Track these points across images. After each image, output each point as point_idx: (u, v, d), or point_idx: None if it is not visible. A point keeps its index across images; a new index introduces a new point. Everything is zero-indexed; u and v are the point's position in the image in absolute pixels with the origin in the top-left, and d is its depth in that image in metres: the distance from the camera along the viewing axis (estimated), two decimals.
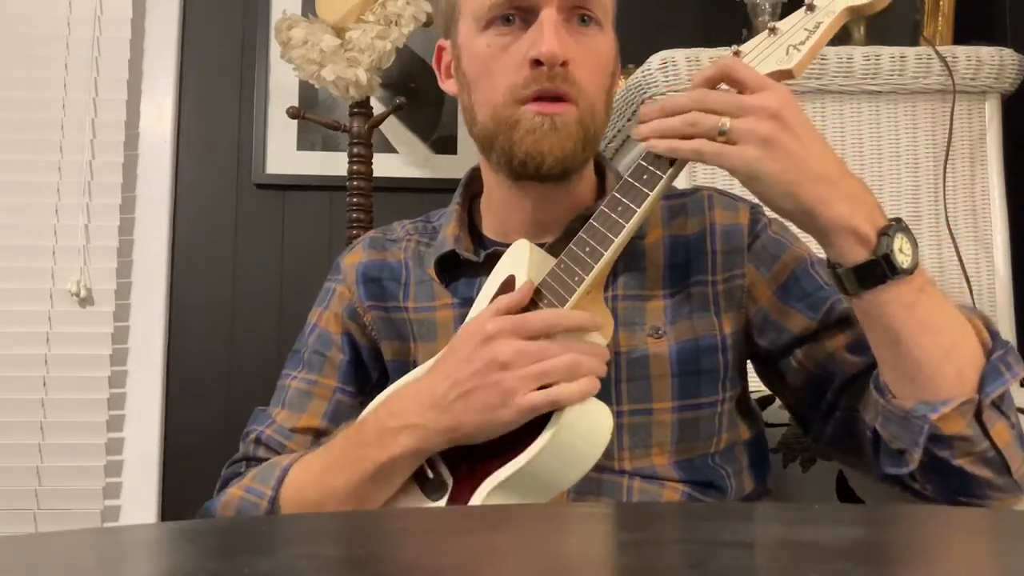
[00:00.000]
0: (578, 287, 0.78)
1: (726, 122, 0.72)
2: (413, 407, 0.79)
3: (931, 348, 0.73)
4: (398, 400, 0.82)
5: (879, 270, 0.72)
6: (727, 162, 0.73)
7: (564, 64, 0.83)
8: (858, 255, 0.73)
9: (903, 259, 0.72)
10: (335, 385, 0.96)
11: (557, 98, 0.84)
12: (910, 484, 0.78)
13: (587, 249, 0.79)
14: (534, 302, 0.80)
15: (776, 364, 0.89)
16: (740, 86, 0.75)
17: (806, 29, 0.79)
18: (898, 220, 0.73)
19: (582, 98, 0.85)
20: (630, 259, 0.90)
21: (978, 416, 0.73)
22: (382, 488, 0.81)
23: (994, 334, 0.77)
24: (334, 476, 0.82)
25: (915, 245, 0.73)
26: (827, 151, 0.74)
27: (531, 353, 0.74)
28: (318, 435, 0.94)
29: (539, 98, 0.84)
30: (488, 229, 0.97)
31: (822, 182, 0.72)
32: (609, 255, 0.78)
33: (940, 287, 0.76)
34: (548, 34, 0.82)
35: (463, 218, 0.97)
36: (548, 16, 0.83)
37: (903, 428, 0.75)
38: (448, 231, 0.95)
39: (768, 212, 0.82)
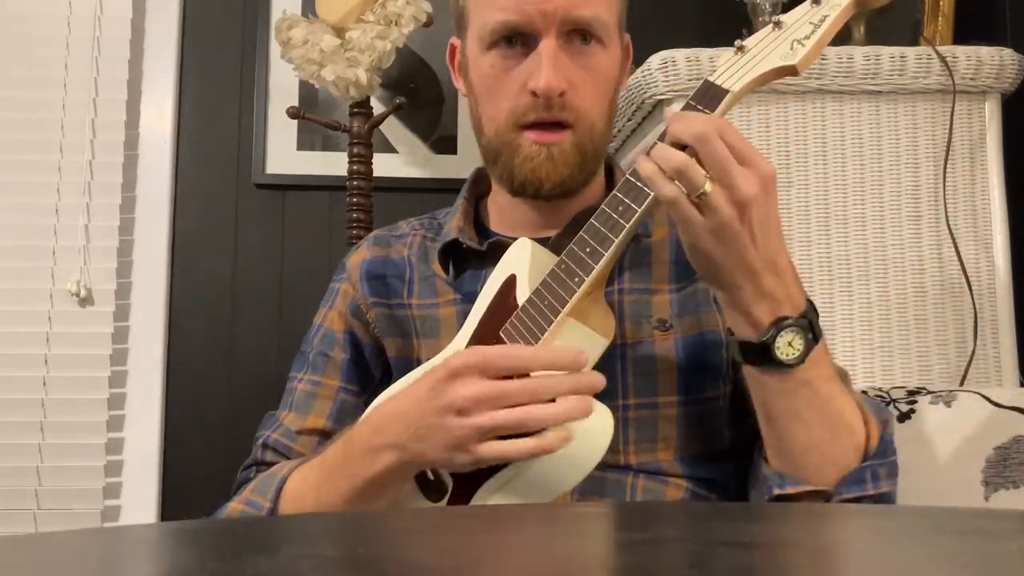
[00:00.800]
0: (578, 288, 0.78)
1: (709, 189, 0.71)
2: (391, 427, 0.77)
3: (797, 436, 0.77)
4: (380, 416, 0.80)
5: (759, 354, 0.75)
6: (684, 227, 0.74)
7: (562, 94, 0.85)
8: (745, 334, 0.75)
9: (788, 352, 0.74)
10: (338, 385, 0.96)
11: (556, 123, 0.86)
12: None
13: (587, 249, 0.79)
14: (534, 304, 0.80)
15: (738, 370, 0.90)
16: (730, 150, 0.72)
17: (811, 23, 0.78)
18: (802, 315, 0.75)
19: (580, 122, 0.87)
20: (636, 255, 0.91)
21: (828, 500, 0.76)
22: (375, 500, 0.81)
23: (884, 443, 0.79)
24: (328, 489, 0.82)
25: (811, 342, 0.75)
26: (770, 245, 0.73)
27: (489, 399, 0.71)
28: (324, 435, 0.94)
29: (536, 125, 0.86)
30: (494, 224, 0.97)
31: (745, 273, 0.73)
32: (609, 255, 0.78)
33: (837, 385, 0.79)
34: (545, 68, 0.84)
35: (468, 212, 0.98)
36: (546, 47, 0.84)
37: (755, 482, 0.81)
38: (453, 224, 0.96)
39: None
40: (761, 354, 0.75)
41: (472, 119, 0.94)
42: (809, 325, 0.75)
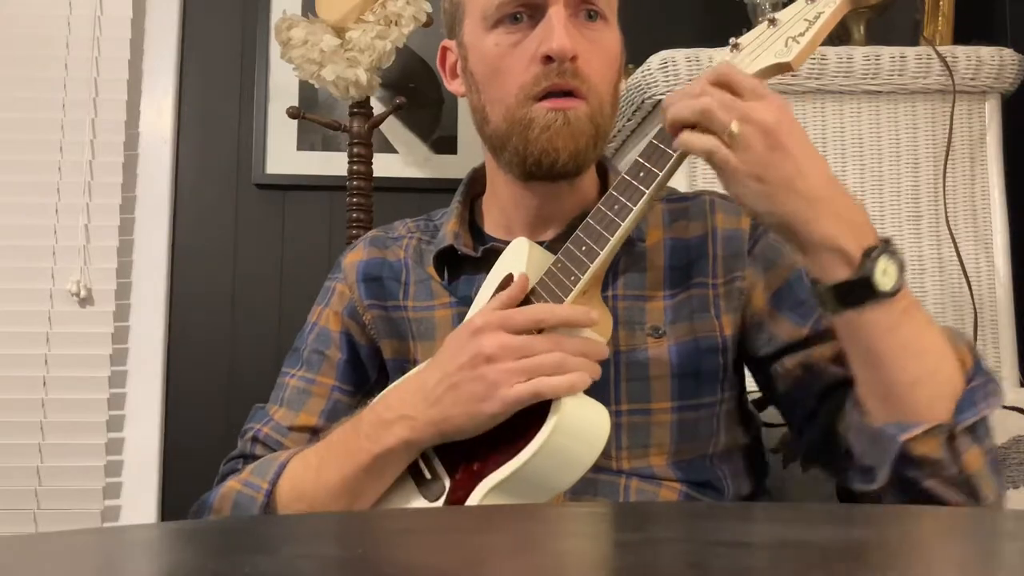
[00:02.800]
0: (574, 286, 0.78)
1: (736, 126, 0.71)
2: (407, 399, 0.80)
3: (908, 372, 0.73)
4: (395, 393, 0.83)
5: (859, 291, 0.71)
6: (726, 172, 0.73)
7: (574, 59, 0.84)
8: (840, 274, 0.72)
9: (885, 282, 0.71)
10: (333, 384, 0.96)
11: (567, 93, 0.85)
12: (873, 499, 0.78)
13: (583, 248, 0.79)
14: (531, 302, 0.80)
15: (766, 368, 0.90)
16: (737, 93, 0.74)
17: (806, 20, 0.78)
18: (887, 241, 0.73)
19: (592, 93, 0.86)
20: (630, 260, 0.90)
21: (951, 441, 0.73)
22: (375, 481, 0.82)
23: (977, 362, 0.77)
24: (329, 469, 0.83)
25: (902, 268, 0.72)
26: (818, 167, 0.73)
27: (516, 347, 0.74)
28: (314, 433, 0.94)
29: (550, 94, 0.85)
30: (490, 227, 0.97)
31: (810, 201, 0.72)
32: (605, 253, 0.78)
33: (924, 311, 0.76)
34: (558, 30, 0.83)
35: (464, 216, 0.97)
36: (556, 12, 0.84)
37: (873, 445, 0.75)
38: (448, 228, 0.95)
39: None
40: (861, 291, 0.71)
41: (474, 113, 0.92)
42: (894, 247, 0.72)
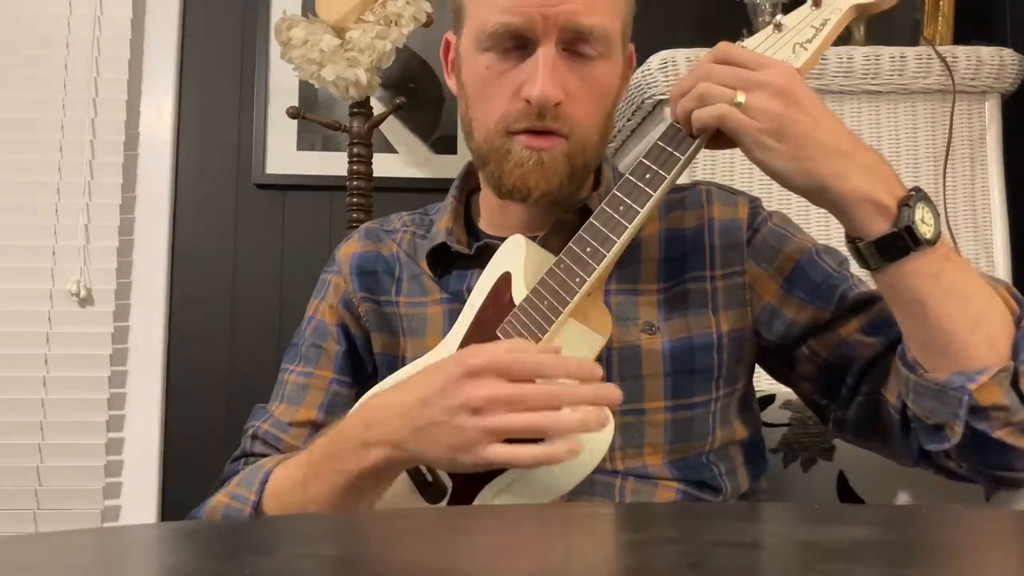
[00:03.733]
0: (580, 288, 0.77)
1: (741, 96, 0.71)
2: (386, 421, 0.75)
3: (960, 317, 0.71)
4: (374, 408, 0.78)
5: (901, 242, 0.70)
6: (745, 135, 0.72)
7: (557, 104, 0.83)
8: (879, 227, 0.71)
9: (925, 229, 0.70)
10: (331, 376, 0.96)
11: (547, 132, 0.84)
12: (945, 464, 0.76)
13: (588, 249, 0.78)
14: (533, 303, 0.80)
15: (788, 356, 0.88)
16: (740, 66, 0.74)
17: (813, 26, 0.78)
18: (917, 189, 0.72)
19: (574, 133, 0.85)
20: (625, 253, 0.89)
21: (1015, 384, 0.71)
22: (363, 497, 0.79)
23: (1020, 301, 0.75)
24: (313, 485, 0.80)
25: (936, 214, 0.71)
26: (837, 124, 0.73)
27: (505, 401, 0.69)
28: (315, 427, 0.93)
29: (528, 131, 0.84)
30: (484, 223, 0.97)
31: (836, 155, 0.71)
32: (611, 256, 0.78)
33: (963, 257, 0.74)
34: (542, 76, 0.81)
35: (458, 211, 0.97)
36: (544, 54, 0.82)
37: (939, 402, 0.72)
38: (442, 224, 0.95)
39: (778, 192, 0.81)
40: (903, 241, 0.70)
41: (462, 120, 0.92)
42: (927, 194, 0.71)
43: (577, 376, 0.71)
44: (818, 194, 0.73)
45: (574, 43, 0.83)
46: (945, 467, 0.77)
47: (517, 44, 0.84)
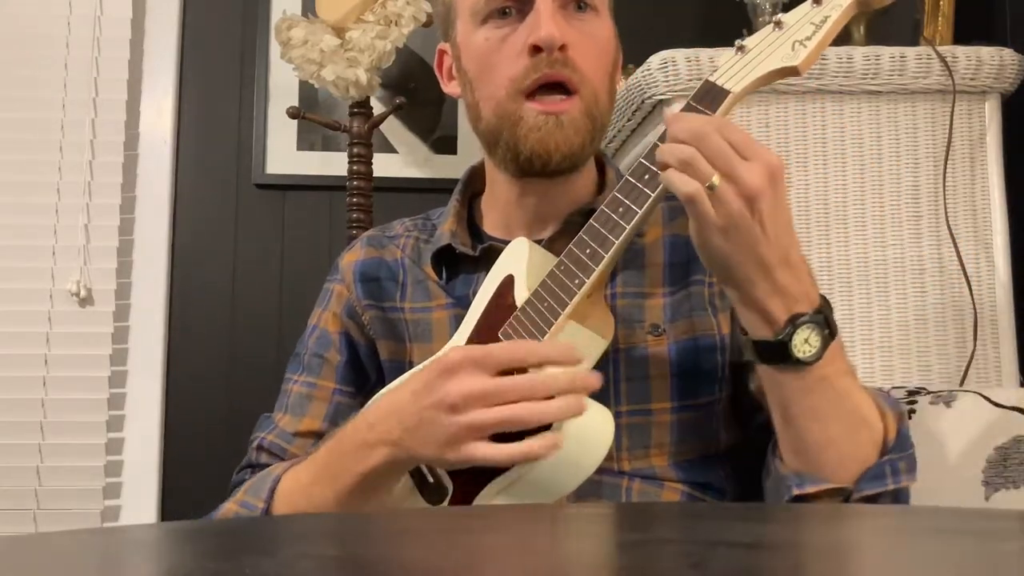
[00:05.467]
0: (579, 290, 0.78)
1: (716, 182, 0.71)
2: (386, 421, 0.77)
3: (816, 433, 0.76)
4: (374, 413, 0.80)
5: (776, 353, 0.74)
6: (698, 223, 0.73)
7: (563, 48, 0.83)
8: (762, 333, 0.74)
9: (805, 350, 0.73)
10: (334, 387, 0.96)
11: (558, 85, 0.84)
12: None
13: (587, 251, 0.79)
14: (533, 305, 0.80)
15: (737, 373, 0.90)
16: (733, 146, 0.72)
17: (812, 24, 0.78)
18: (819, 311, 0.74)
19: (584, 85, 0.85)
20: (630, 257, 0.90)
21: (847, 502, 0.76)
22: (369, 498, 0.80)
23: (901, 437, 0.79)
24: (320, 488, 0.81)
25: (827, 339, 0.74)
26: (783, 239, 0.73)
27: (485, 394, 0.70)
28: (319, 437, 0.93)
29: (542, 88, 0.84)
30: (488, 225, 0.97)
31: (760, 268, 0.73)
32: (610, 257, 0.78)
33: (853, 380, 0.78)
34: (545, 19, 0.82)
35: (461, 214, 0.97)
36: (543, 3, 0.83)
37: (773, 484, 0.80)
38: (445, 227, 0.95)
39: None
40: (778, 352, 0.73)
41: (469, 111, 0.92)
42: (825, 321, 0.74)
43: (555, 361, 0.73)
44: (726, 285, 0.76)
45: (568, 2, 0.85)
46: None
47: (514, 8, 0.85)
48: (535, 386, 0.71)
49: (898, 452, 0.78)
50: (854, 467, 0.76)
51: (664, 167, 0.74)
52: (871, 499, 0.76)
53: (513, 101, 0.85)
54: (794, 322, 0.73)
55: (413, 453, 0.75)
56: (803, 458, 0.77)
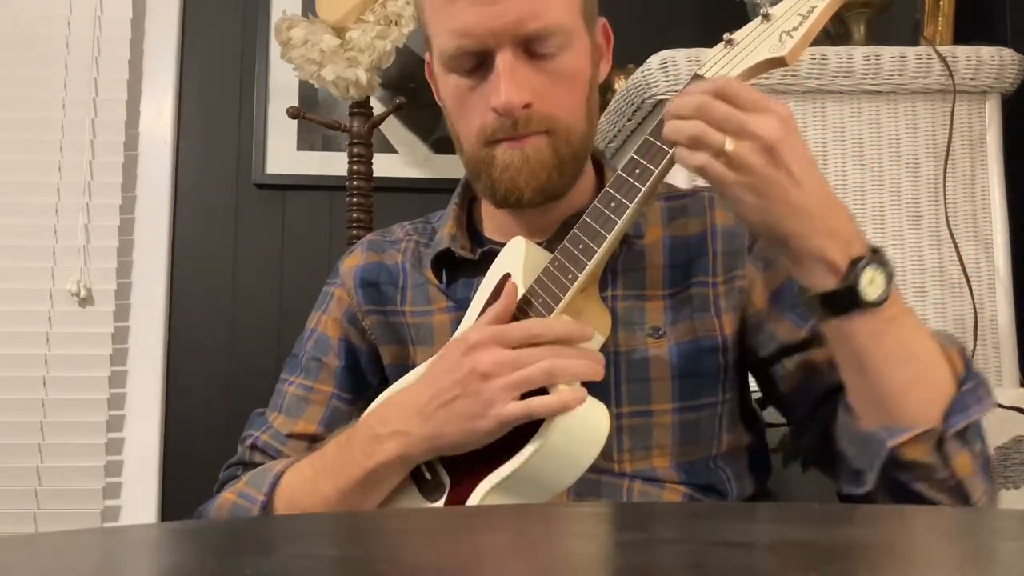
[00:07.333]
0: (572, 285, 0.78)
1: (730, 145, 0.71)
2: (400, 414, 0.79)
3: (896, 377, 0.74)
4: (387, 406, 0.82)
5: (845, 301, 0.72)
6: (722, 189, 0.73)
7: (527, 106, 0.83)
8: (826, 284, 0.73)
9: (872, 291, 0.72)
10: (331, 391, 0.96)
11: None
12: (863, 502, 0.78)
13: (580, 246, 0.79)
14: (529, 302, 0.80)
15: (767, 369, 0.89)
16: (738, 106, 0.72)
17: (799, 14, 0.77)
18: (875, 251, 0.73)
19: (554, 126, 0.85)
20: (629, 259, 0.90)
21: (940, 446, 0.73)
22: (371, 494, 0.81)
23: (968, 365, 0.77)
24: (324, 482, 0.82)
25: (890, 277, 0.73)
26: (816, 183, 0.73)
27: (510, 363, 0.74)
28: (313, 441, 0.94)
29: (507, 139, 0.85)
30: (488, 229, 0.97)
31: (804, 217, 0.72)
32: (602, 252, 0.78)
33: (915, 317, 0.77)
34: (504, 83, 0.82)
35: (460, 218, 0.97)
36: (503, 60, 0.82)
37: (862, 449, 0.76)
38: (445, 231, 0.95)
39: None
40: (846, 300, 0.72)
41: (452, 133, 0.93)
42: (883, 259, 0.73)
43: (567, 337, 0.76)
44: (777, 245, 0.75)
45: (530, 45, 0.83)
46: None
47: (477, 62, 0.84)
48: (556, 351, 0.75)
49: (973, 380, 0.76)
50: (938, 404, 0.74)
51: (673, 146, 0.75)
52: (961, 433, 0.73)
53: (483, 148, 0.86)
54: (856, 265, 0.71)
55: (435, 438, 0.77)
56: (886, 408, 0.74)
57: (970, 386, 0.75)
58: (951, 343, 0.79)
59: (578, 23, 0.86)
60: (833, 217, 0.73)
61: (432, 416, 0.76)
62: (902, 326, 0.74)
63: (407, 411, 0.78)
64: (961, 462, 0.74)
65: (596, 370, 0.76)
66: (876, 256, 0.73)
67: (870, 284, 0.72)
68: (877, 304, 0.72)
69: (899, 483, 0.75)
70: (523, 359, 0.74)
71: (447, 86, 0.88)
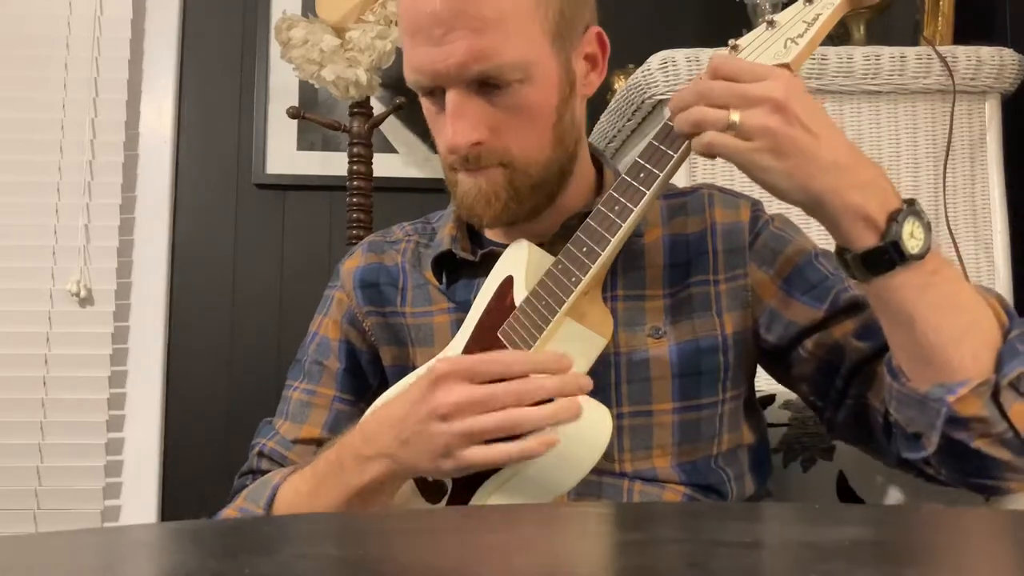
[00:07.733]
0: (575, 287, 0.78)
1: (736, 117, 0.70)
2: (382, 433, 0.77)
3: (945, 330, 0.71)
4: (372, 423, 0.80)
5: (888, 256, 0.70)
6: (738, 159, 0.71)
7: (479, 143, 0.82)
8: (867, 241, 0.71)
9: (913, 244, 0.70)
10: (333, 395, 0.96)
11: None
12: (924, 470, 0.77)
13: (584, 249, 0.79)
14: (531, 303, 0.80)
15: (786, 357, 0.88)
16: (736, 80, 0.72)
17: (804, 21, 0.78)
18: (911, 202, 0.71)
19: (509, 160, 0.84)
20: (629, 259, 0.89)
21: (995, 397, 0.71)
22: (369, 505, 0.80)
23: (1011, 314, 0.75)
24: (319, 499, 0.81)
25: (928, 228, 0.71)
26: (836, 136, 0.72)
27: (475, 402, 0.71)
28: (319, 444, 0.94)
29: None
30: (488, 230, 0.96)
31: (834, 170, 0.70)
32: (606, 255, 0.78)
33: (956, 268, 0.74)
34: (449, 126, 0.81)
35: (461, 219, 0.97)
36: (451, 100, 0.81)
37: (919, 411, 0.73)
38: (445, 232, 0.95)
39: (776, 205, 0.81)
40: (889, 255, 0.70)
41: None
42: (918, 208, 0.71)
43: (543, 369, 0.73)
44: (813, 207, 0.73)
45: (484, 81, 0.81)
46: (924, 473, 0.78)
47: (435, 93, 0.84)
48: (525, 391, 0.71)
49: (1020, 327, 0.74)
50: (988, 354, 0.72)
51: (683, 136, 0.75)
52: (1015, 383, 0.71)
53: (449, 170, 0.87)
54: (895, 218, 0.70)
55: (410, 466, 0.75)
56: (937, 364, 0.72)
57: (1016, 333, 0.73)
58: (989, 292, 0.77)
59: (542, 52, 0.83)
60: (863, 168, 0.72)
61: (405, 443, 0.75)
62: (944, 277, 0.72)
63: (387, 431, 0.77)
64: (1018, 412, 0.71)
65: (570, 411, 0.72)
66: (912, 207, 0.71)
67: (911, 237, 0.70)
68: (920, 257, 0.70)
69: (958, 443, 0.72)
70: (487, 401, 0.71)
71: (423, 105, 0.88)
